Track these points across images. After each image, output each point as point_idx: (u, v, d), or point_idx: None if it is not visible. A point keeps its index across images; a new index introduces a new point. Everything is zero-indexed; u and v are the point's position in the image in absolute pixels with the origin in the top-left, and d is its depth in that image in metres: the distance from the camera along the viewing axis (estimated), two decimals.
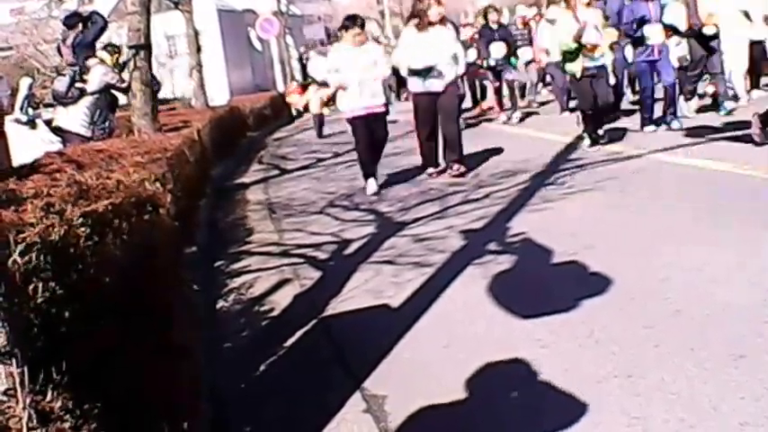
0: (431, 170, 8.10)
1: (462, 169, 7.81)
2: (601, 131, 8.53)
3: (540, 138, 10.14)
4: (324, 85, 15.60)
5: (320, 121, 14.97)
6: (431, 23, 7.70)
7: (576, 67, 8.29)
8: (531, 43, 13.37)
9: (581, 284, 3.99)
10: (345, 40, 7.80)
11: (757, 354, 2.91)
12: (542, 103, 14.50)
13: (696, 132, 8.01)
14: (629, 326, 3.38)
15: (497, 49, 12.24)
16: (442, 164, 8.11)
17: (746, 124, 7.51)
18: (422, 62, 7.69)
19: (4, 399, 1.50)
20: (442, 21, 7.81)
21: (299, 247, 5.81)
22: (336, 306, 4.28)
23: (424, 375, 3.23)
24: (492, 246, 4.99)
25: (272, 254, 5.71)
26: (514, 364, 3.17)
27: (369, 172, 7.78)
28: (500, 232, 5.33)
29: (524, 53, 13.32)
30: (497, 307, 3.88)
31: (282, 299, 4.51)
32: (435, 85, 7.77)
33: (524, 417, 2.78)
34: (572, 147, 8.68)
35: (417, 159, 8.45)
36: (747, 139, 7.16)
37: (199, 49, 15.62)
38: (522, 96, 14.42)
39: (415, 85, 7.95)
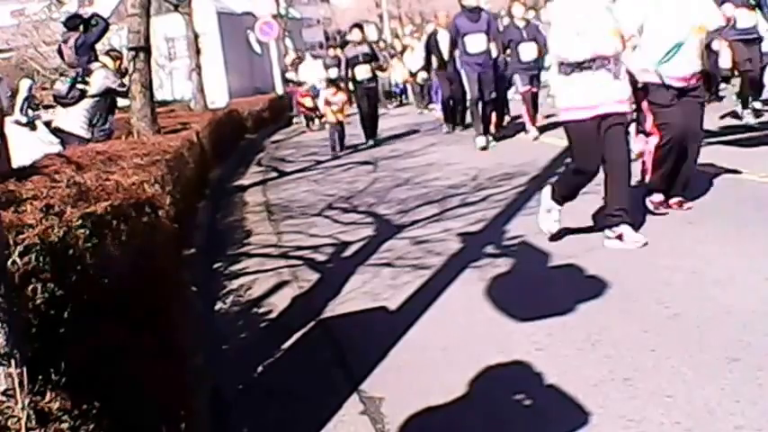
0: (658, 198, 5.37)
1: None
2: None
3: (540, 141, 10.15)
4: (334, 84, 12.47)
5: (340, 133, 11.98)
6: None
7: None
8: None
9: (579, 287, 4.00)
10: None
11: (754, 358, 2.92)
12: None
13: None
14: (626, 329, 3.39)
15: (528, 51, 10.39)
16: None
17: (744, 129, 7.55)
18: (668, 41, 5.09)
19: (3, 399, 1.51)
20: None
21: (298, 249, 5.82)
22: (335, 308, 4.28)
23: (422, 377, 3.23)
24: (490, 248, 5.00)
25: (271, 256, 5.72)
26: (512, 367, 3.18)
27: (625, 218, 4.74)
28: (498, 235, 5.34)
29: None
30: (495, 309, 3.89)
31: (281, 301, 4.52)
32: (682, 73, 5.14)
33: (521, 419, 2.79)
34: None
35: (415, 161, 8.43)
36: (745, 143, 7.18)
37: (198, 52, 15.62)
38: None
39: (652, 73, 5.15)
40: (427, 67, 12.72)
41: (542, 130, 10.53)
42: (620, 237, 4.70)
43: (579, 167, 4.91)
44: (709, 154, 7.07)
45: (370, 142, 12.03)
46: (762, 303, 3.44)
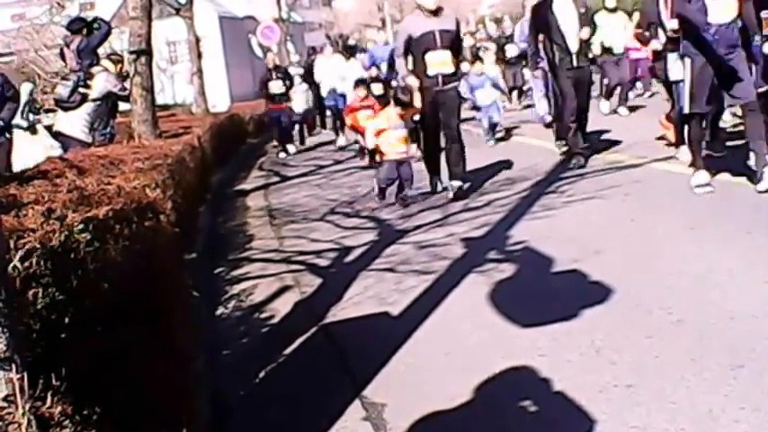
0: None
1: None
2: None
3: (542, 146, 10.13)
4: (378, 90, 8.62)
5: (407, 175, 7.11)
6: None
7: None
8: None
9: (582, 293, 3.98)
10: None
11: (757, 364, 2.90)
12: None
13: None
14: (630, 335, 3.37)
15: None
16: None
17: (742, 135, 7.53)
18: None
19: (4, 405, 1.50)
20: None
21: (300, 253, 5.81)
22: (337, 313, 4.27)
23: (424, 383, 3.22)
24: (493, 253, 4.99)
25: (273, 260, 5.71)
26: (515, 373, 3.16)
27: None
28: (502, 240, 5.32)
29: None
30: (499, 315, 3.88)
31: (283, 306, 4.51)
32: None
33: (525, 426, 2.77)
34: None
35: (417, 166, 8.35)
36: (744, 150, 7.16)
37: (200, 56, 15.65)
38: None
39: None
40: (535, 58, 8.15)
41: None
42: None
43: None
44: (709, 160, 7.08)
45: (456, 184, 6.97)
46: (765, 308, 3.42)
